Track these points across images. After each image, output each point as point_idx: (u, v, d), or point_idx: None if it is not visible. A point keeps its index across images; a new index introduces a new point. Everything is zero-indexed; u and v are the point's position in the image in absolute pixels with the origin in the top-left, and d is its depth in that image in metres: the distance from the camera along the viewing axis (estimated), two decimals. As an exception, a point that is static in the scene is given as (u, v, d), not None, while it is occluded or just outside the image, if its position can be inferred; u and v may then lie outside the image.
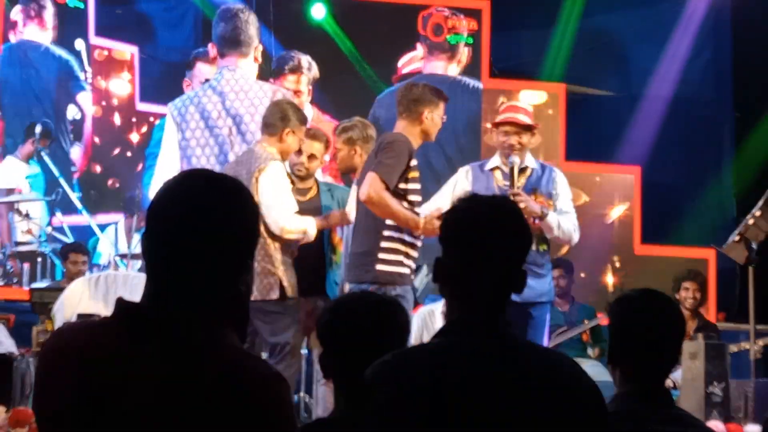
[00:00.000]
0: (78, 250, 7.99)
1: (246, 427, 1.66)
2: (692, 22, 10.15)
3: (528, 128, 5.50)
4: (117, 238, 9.17)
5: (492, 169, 5.57)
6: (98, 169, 9.55)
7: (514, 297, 2.10)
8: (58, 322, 5.60)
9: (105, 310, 5.27)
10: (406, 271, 4.85)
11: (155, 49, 9.74)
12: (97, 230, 9.09)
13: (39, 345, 6.19)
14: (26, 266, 8.89)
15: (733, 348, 6.87)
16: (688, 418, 2.60)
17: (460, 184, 5.53)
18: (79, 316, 5.25)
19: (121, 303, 1.77)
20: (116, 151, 9.61)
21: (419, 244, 4.92)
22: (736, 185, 10.30)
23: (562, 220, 5.44)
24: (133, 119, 9.63)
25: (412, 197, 4.89)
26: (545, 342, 5.50)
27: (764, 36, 9.84)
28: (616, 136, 9.87)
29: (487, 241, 2.03)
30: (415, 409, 1.90)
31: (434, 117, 5.02)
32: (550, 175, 5.57)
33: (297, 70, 6.42)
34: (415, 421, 1.90)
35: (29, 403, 5.61)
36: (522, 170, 5.48)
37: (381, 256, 4.82)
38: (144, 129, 9.60)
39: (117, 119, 9.59)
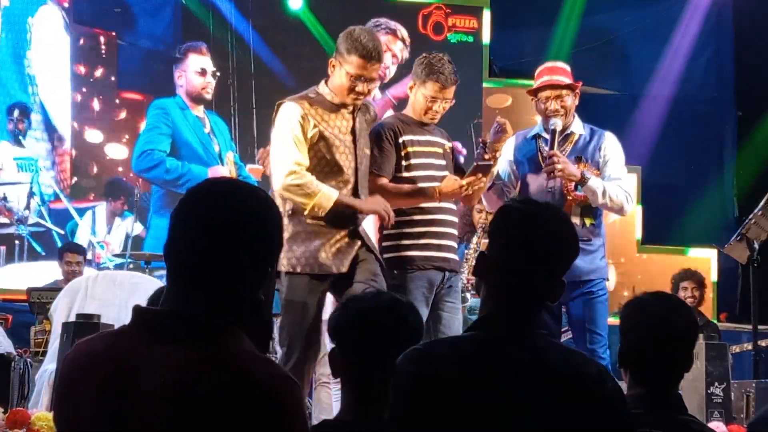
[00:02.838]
0: (74, 250, 7.98)
1: (256, 428, 1.68)
2: (694, 20, 10.14)
3: (569, 88, 5.00)
4: (95, 223, 9.24)
5: (535, 137, 5.08)
6: (76, 154, 9.53)
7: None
8: (56, 323, 5.57)
9: (103, 310, 5.24)
10: (414, 253, 4.61)
11: (135, 36, 9.72)
12: (75, 215, 9.16)
13: (37, 345, 6.18)
14: (2, 249, 8.96)
15: (735, 348, 6.85)
16: (694, 425, 2.57)
17: (504, 153, 5.03)
18: (78, 316, 5.21)
19: (138, 310, 1.80)
20: (95, 137, 9.60)
21: (441, 216, 4.63)
22: (737, 184, 10.29)
23: (610, 187, 4.92)
24: (113, 105, 9.62)
25: (415, 173, 4.67)
26: (606, 317, 5.03)
27: (766, 35, 9.82)
28: (617, 135, 9.82)
29: (533, 250, 2.08)
30: (433, 397, 1.94)
31: (417, 94, 4.70)
32: (599, 141, 5.05)
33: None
34: (433, 409, 1.94)
35: (27, 403, 5.59)
36: (567, 136, 5.02)
37: (385, 242, 4.70)
38: (123, 115, 9.60)
39: (96, 105, 9.59)
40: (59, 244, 8.97)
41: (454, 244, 4.76)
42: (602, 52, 10.12)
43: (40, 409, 4.81)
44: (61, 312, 5.61)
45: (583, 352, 2.16)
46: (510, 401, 1.94)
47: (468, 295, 6.51)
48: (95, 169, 9.59)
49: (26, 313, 7.07)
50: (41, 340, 6.19)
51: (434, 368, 1.97)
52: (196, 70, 9.17)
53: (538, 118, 5.26)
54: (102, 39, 9.65)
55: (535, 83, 5.09)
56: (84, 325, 4.81)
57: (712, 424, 5.10)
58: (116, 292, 5.53)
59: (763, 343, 6.67)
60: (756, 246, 6.20)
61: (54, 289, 6.67)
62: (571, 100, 5.01)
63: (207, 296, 1.77)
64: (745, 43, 10.23)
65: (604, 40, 10.22)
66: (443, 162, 4.75)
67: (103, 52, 9.63)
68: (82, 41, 9.62)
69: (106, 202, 9.37)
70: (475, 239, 6.82)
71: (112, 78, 9.64)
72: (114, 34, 9.65)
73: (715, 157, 10.51)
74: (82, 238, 9.16)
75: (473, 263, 6.64)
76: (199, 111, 9.26)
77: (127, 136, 9.56)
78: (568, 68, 5.15)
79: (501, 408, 1.94)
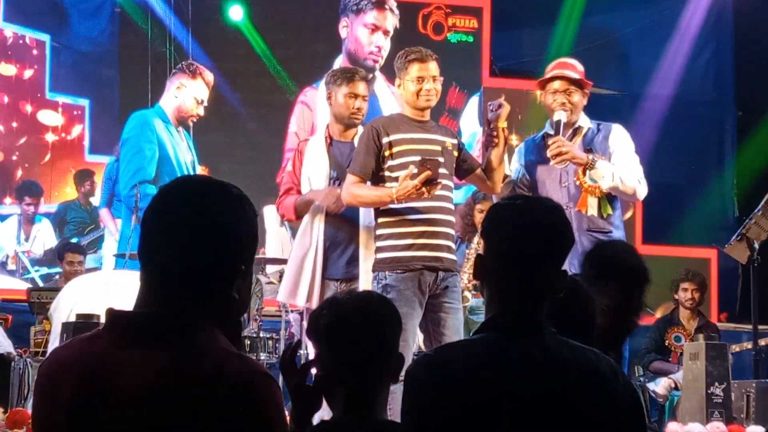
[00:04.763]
0: (74, 250, 7.99)
1: (234, 425, 1.68)
2: (693, 21, 10.14)
3: (578, 85, 4.97)
4: (20, 229, 9.04)
5: (543, 137, 5.02)
6: (2, 157, 9.26)
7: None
8: (56, 323, 5.57)
9: (103, 309, 5.23)
10: (405, 253, 4.59)
11: (68, 38, 9.49)
12: None
13: (37, 345, 6.18)
14: None
15: (735, 348, 6.85)
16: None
17: (513, 162, 5.06)
18: (78, 316, 5.21)
19: (111, 313, 1.80)
20: (23, 139, 9.32)
21: (435, 216, 4.62)
22: (737, 185, 10.29)
23: (619, 170, 4.86)
24: (43, 108, 9.32)
25: (397, 173, 4.64)
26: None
27: (765, 35, 9.82)
28: (617, 135, 9.84)
29: (527, 242, 2.06)
30: (447, 403, 1.94)
31: (405, 85, 4.76)
32: (606, 133, 5.02)
33: (381, 5, 6.29)
34: (448, 415, 1.94)
35: (27, 403, 5.59)
36: (576, 130, 4.98)
37: (378, 243, 4.70)
38: (55, 119, 9.32)
39: (26, 107, 9.30)
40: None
41: (449, 244, 4.70)
42: (602, 52, 10.11)
43: (40, 409, 4.80)
44: (61, 311, 5.61)
45: (594, 349, 2.12)
46: (523, 401, 1.94)
47: (469, 294, 6.51)
48: (19, 174, 9.33)
49: (26, 313, 7.07)
50: (41, 340, 6.19)
51: (446, 373, 1.97)
52: (197, 98, 9.09)
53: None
54: (32, 39, 9.37)
55: (546, 75, 5.07)
56: (84, 325, 4.81)
57: (712, 425, 5.10)
58: (118, 292, 5.52)
59: (762, 342, 6.67)
60: (756, 246, 6.20)
61: (54, 289, 6.68)
62: (578, 98, 4.97)
63: (180, 295, 1.77)
64: (745, 43, 10.22)
65: (604, 40, 10.21)
66: (440, 159, 4.73)
67: (34, 52, 9.35)
68: (11, 41, 9.32)
69: (19, 204, 9.10)
70: (476, 239, 6.82)
71: (43, 80, 9.34)
72: (47, 35, 9.39)
73: (715, 157, 10.51)
74: (4, 246, 8.96)
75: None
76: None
77: (56, 144, 9.31)
78: (581, 67, 5.12)
79: (515, 409, 1.94)
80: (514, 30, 10.36)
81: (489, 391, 1.94)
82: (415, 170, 4.50)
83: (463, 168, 4.87)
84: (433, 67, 4.75)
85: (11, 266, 8.97)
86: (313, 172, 5.14)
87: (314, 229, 5.07)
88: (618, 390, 2.02)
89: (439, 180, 4.51)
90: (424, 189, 4.49)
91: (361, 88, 5.09)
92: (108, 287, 5.66)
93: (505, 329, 2.04)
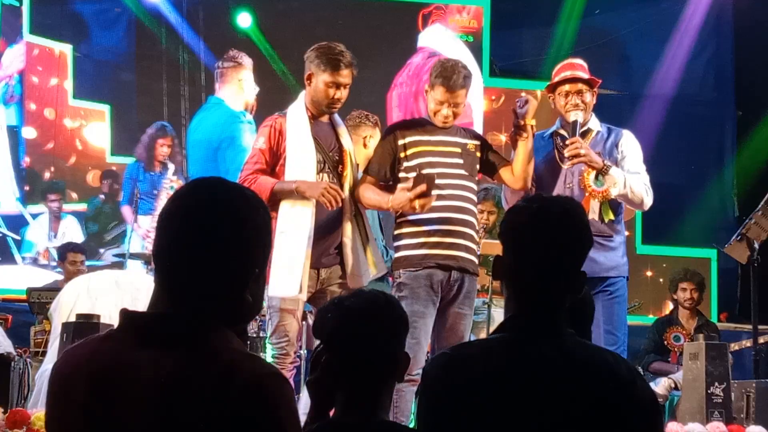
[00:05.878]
0: (76, 250, 8.00)
1: (246, 425, 1.67)
2: (693, 20, 10.14)
3: (589, 84, 4.97)
4: (50, 226, 9.55)
5: (552, 135, 5.05)
6: (29, 161, 9.88)
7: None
8: (56, 322, 5.57)
9: (103, 309, 5.24)
10: (416, 252, 4.62)
11: (89, 48, 10.13)
12: (29, 219, 9.50)
13: (37, 345, 6.18)
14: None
15: (734, 346, 6.84)
16: None
17: None
18: (78, 316, 5.21)
19: (126, 313, 1.80)
20: (49, 145, 9.92)
21: (451, 215, 4.61)
22: (737, 185, 10.29)
23: (630, 178, 4.87)
24: (67, 114, 9.94)
25: (412, 174, 4.64)
26: (624, 318, 4.97)
27: (766, 35, 9.82)
28: (617, 135, 9.84)
29: (545, 243, 2.07)
30: (462, 401, 1.94)
31: (429, 97, 4.78)
32: (616, 138, 5.02)
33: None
34: (463, 413, 1.93)
35: (27, 403, 5.59)
36: (585, 132, 4.98)
37: (395, 243, 4.74)
38: (77, 123, 9.93)
39: (52, 114, 9.90)
40: (13, 250, 9.35)
41: (467, 243, 4.68)
42: (602, 52, 10.11)
43: (40, 409, 4.80)
44: (61, 311, 5.60)
45: (612, 351, 2.12)
46: (537, 402, 1.94)
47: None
48: (47, 175, 9.91)
49: (26, 313, 7.08)
50: (41, 340, 6.20)
51: (464, 373, 1.98)
52: (255, 89, 9.09)
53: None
54: (56, 50, 9.95)
55: (554, 79, 5.07)
56: (84, 325, 4.80)
57: (712, 424, 5.10)
58: (117, 292, 5.52)
59: (761, 339, 6.67)
60: (756, 246, 6.19)
61: (54, 289, 6.68)
62: (590, 97, 4.99)
63: (194, 296, 1.77)
64: (745, 43, 10.23)
65: (604, 40, 10.21)
66: (459, 161, 4.73)
67: (58, 62, 9.91)
68: (37, 52, 9.88)
69: (46, 202, 9.67)
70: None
71: (67, 87, 9.91)
72: (69, 45, 9.96)
73: (715, 157, 10.51)
74: (35, 242, 9.47)
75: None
76: None
77: (80, 146, 9.93)
78: (586, 65, 5.13)
79: (528, 409, 1.94)
80: (514, 30, 10.37)
81: (503, 391, 1.94)
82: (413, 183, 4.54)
83: (487, 167, 4.86)
84: (461, 94, 4.69)
85: (42, 261, 9.47)
86: (301, 154, 4.71)
87: (304, 218, 4.65)
88: (635, 393, 2.01)
89: (433, 195, 4.51)
90: (416, 203, 4.50)
91: (345, 76, 4.72)
92: (108, 287, 5.65)
93: (521, 330, 2.04)
